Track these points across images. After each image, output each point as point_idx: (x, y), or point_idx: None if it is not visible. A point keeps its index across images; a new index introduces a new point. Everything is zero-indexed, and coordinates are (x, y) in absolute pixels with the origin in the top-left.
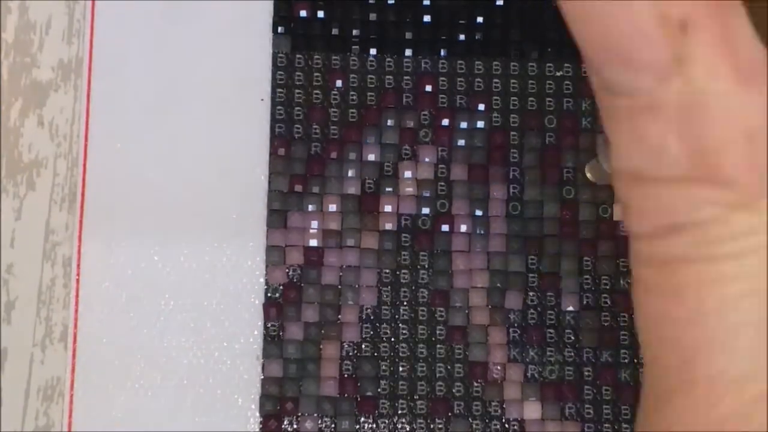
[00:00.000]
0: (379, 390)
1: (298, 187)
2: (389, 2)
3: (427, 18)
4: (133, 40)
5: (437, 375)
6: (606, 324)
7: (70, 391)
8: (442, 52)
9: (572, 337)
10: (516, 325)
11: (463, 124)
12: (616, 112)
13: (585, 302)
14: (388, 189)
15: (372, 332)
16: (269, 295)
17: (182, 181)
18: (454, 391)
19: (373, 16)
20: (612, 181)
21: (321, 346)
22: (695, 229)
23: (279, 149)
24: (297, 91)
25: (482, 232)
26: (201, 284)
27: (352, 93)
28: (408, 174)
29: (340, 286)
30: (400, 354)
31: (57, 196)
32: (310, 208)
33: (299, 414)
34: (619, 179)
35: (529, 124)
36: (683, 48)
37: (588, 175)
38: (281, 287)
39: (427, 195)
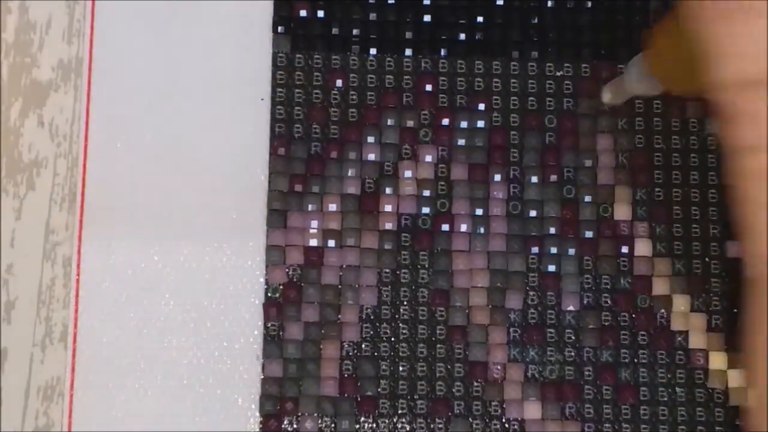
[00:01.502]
0: (379, 390)
1: (298, 187)
2: (389, 2)
3: (427, 18)
4: (133, 40)
5: (437, 375)
6: (606, 324)
7: (70, 391)
8: (442, 52)
9: (572, 337)
10: (516, 324)
11: (464, 124)
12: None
13: (585, 302)
14: (388, 189)
15: (372, 332)
16: (269, 294)
17: (182, 181)
18: (454, 390)
19: (373, 16)
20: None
21: (321, 346)
22: None
23: (279, 149)
24: (297, 90)
25: (482, 231)
26: (201, 284)
27: (352, 93)
28: (408, 173)
29: (340, 286)
30: (400, 354)
31: (57, 196)
32: (310, 207)
33: (299, 414)
34: (724, 90)
35: (529, 124)
36: None
37: (605, 97)
38: (281, 287)
39: (427, 194)
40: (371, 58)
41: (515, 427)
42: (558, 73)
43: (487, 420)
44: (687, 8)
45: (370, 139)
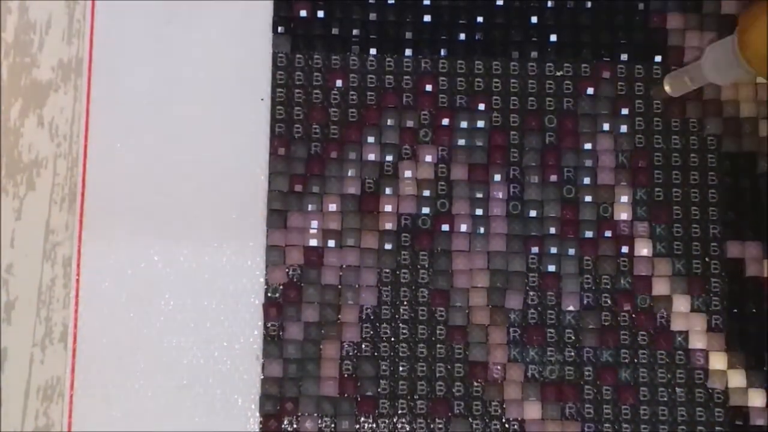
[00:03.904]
0: (379, 390)
1: (298, 187)
2: (389, 2)
3: (427, 18)
4: (133, 40)
5: (437, 375)
6: (606, 324)
7: (70, 391)
8: (442, 52)
9: (572, 337)
10: (516, 324)
11: (464, 124)
12: None
13: (585, 302)
14: (388, 189)
15: (372, 332)
16: (269, 295)
17: (182, 181)
18: (454, 391)
19: (373, 16)
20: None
21: (321, 346)
22: None
23: (279, 149)
24: (297, 90)
25: (482, 231)
26: (201, 284)
27: (352, 93)
28: (408, 174)
29: (340, 286)
30: (400, 354)
31: (57, 196)
32: (310, 207)
33: (299, 414)
34: None
35: (529, 124)
36: None
37: (666, 88)
38: (281, 287)
39: (427, 195)
40: (371, 58)
41: (515, 427)
42: (558, 73)
43: (487, 420)
44: None
45: (370, 139)
